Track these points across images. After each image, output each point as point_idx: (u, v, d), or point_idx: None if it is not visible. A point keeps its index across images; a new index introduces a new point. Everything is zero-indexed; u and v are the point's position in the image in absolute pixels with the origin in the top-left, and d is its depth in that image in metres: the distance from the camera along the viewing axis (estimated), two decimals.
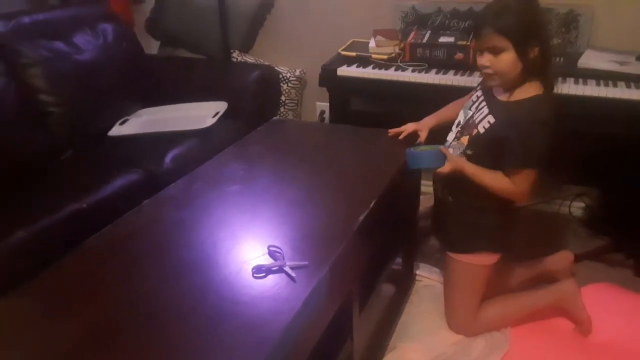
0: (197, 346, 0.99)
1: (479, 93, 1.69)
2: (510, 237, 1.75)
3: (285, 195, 1.51)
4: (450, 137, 1.72)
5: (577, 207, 2.50)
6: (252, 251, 1.24)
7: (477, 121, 1.61)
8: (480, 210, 1.66)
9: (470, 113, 1.66)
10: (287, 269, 1.15)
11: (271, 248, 1.22)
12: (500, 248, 1.73)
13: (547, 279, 1.94)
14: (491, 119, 1.57)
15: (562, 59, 2.15)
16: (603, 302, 1.95)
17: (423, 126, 1.84)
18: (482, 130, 1.58)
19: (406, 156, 1.61)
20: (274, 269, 1.16)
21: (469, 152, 1.62)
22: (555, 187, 2.51)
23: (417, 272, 2.12)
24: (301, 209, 1.43)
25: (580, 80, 2.01)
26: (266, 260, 1.20)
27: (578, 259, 2.16)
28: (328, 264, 1.18)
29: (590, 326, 1.79)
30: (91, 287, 1.17)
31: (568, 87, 1.97)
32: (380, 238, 1.64)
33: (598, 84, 1.98)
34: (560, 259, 1.98)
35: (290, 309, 1.05)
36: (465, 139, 1.64)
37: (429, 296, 2.02)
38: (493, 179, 1.57)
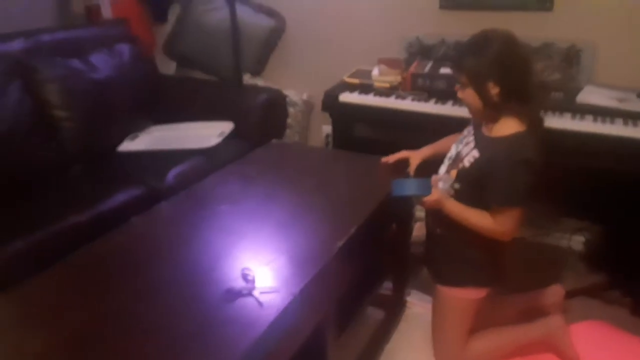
0: None
1: (471, 128, 1.71)
2: (499, 272, 1.74)
3: (271, 217, 1.55)
4: (442, 169, 1.75)
5: (578, 241, 2.48)
6: (227, 273, 1.28)
7: (463, 155, 1.63)
8: (469, 245, 1.67)
9: (460, 147, 1.68)
10: (255, 293, 1.19)
11: (244, 271, 1.26)
12: (489, 283, 1.72)
13: (538, 313, 1.92)
14: (476, 153, 1.59)
15: (561, 94, 2.16)
16: (595, 340, 1.92)
17: (416, 156, 1.88)
18: (467, 165, 1.60)
19: (392, 184, 1.63)
20: (243, 292, 1.20)
21: (456, 186, 1.63)
22: (555, 219, 2.49)
23: (408, 298, 2.13)
24: (284, 232, 1.47)
25: (578, 116, 2.01)
26: (239, 283, 1.24)
27: (574, 294, 2.14)
28: (299, 289, 1.21)
29: None
30: (65, 302, 1.22)
31: (564, 122, 1.98)
32: (364, 263, 1.66)
33: (595, 120, 1.98)
34: (552, 294, 1.96)
35: (254, 334, 1.08)
36: (454, 173, 1.65)
37: (418, 324, 2.02)
38: (474, 218, 1.58)
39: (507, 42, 1.51)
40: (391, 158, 1.90)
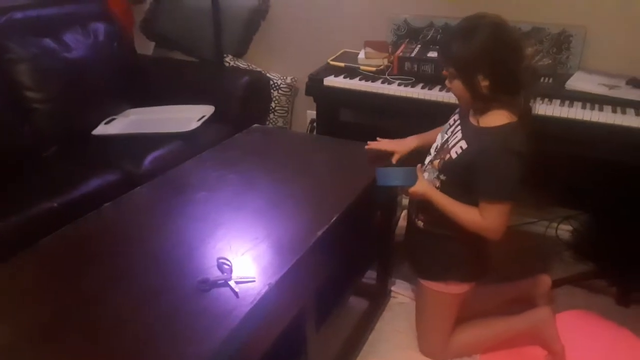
0: (130, 358, 0.98)
1: (457, 117, 1.65)
2: (483, 266, 1.71)
3: (250, 205, 1.50)
4: (427, 160, 1.69)
5: (565, 230, 2.46)
6: (202, 262, 1.23)
7: (450, 146, 1.57)
8: (451, 239, 1.62)
9: (446, 137, 1.62)
10: (231, 283, 1.13)
11: (220, 260, 1.20)
12: (473, 277, 1.69)
13: (524, 302, 1.90)
14: (464, 144, 1.52)
15: (551, 80, 2.12)
16: (580, 330, 1.91)
17: (401, 148, 1.80)
18: (454, 156, 1.54)
19: (376, 173, 1.58)
20: (219, 282, 1.14)
21: (442, 177, 1.57)
22: (542, 208, 2.46)
23: (393, 288, 2.09)
24: (262, 220, 1.41)
25: (567, 102, 1.97)
26: (215, 272, 1.18)
27: (560, 282, 2.12)
28: (276, 279, 1.16)
29: (563, 356, 1.74)
30: (32, 290, 1.17)
31: (553, 109, 1.93)
32: (347, 252, 1.61)
33: (584, 107, 1.93)
34: (538, 283, 1.94)
35: (229, 325, 1.03)
36: (437, 163, 1.59)
37: (402, 313, 1.99)
38: (462, 212, 1.52)
39: (497, 30, 1.42)
40: (375, 146, 1.82)
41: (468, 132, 1.54)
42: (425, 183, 1.56)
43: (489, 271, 1.72)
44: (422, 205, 1.63)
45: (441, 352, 1.77)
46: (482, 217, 1.48)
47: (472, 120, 1.55)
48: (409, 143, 1.82)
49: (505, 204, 1.46)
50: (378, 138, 1.85)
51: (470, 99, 1.49)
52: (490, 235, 1.51)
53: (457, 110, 1.68)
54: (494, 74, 1.43)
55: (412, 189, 1.54)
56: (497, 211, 1.46)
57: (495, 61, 1.42)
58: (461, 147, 1.52)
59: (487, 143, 1.45)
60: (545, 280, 1.94)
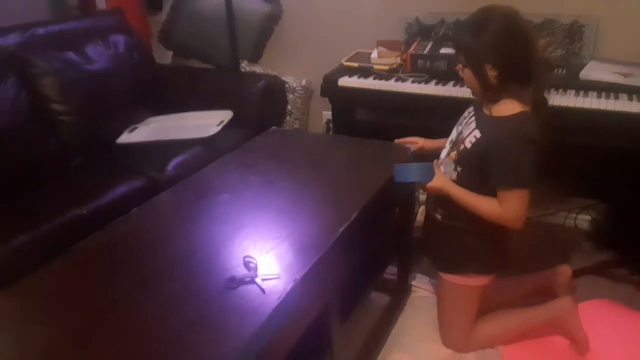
0: (161, 358, 1.02)
1: (471, 108, 1.68)
2: (503, 259, 1.71)
3: (272, 205, 1.53)
4: (444, 154, 1.71)
5: (584, 220, 2.46)
6: (229, 262, 1.27)
7: (465, 136, 1.59)
8: (471, 232, 1.63)
9: (461, 128, 1.65)
10: (258, 280, 1.17)
11: (246, 259, 1.24)
12: (492, 271, 1.70)
13: (546, 294, 1.91)
14: (478, 133, 1.55)
15: (564, 71, 2.13)
16: (603, 320, 1.91)
17: (427, 142, 1.84)
18: (469, 146, 1.56)
19: (394, 170, 1.59)
20: (246, 280, 1.18)
21: (459, 169, 1.59)
22: (560, 199, 2.46)
23: (413, 283, 2.12)
24: (285, 219, 1.46)
25: (582, 93, 1.98)
26: (241, 271, 1.22)
27: (581, 273, 2.12)
28: (301, 276, 1.20)
29: (587, 345, 1.75)
30: (67, 295, 1.21)
31: (568, 99, 1.95)
32: (368, 249, 1.65)
33: (599, 97, 1.94)
34: (559, 274, 1.94)
35: (257, 321, 1.07)
36: (454, 155, 1.62)
37: (423, 308, 2.01)
38: (481, 204, 1.53)
39: (508, 22, 1.45)
40: (404, 140, 1.87)
41: (482, 122, 1.56)
42: (443, 178, 1.58)
43: (509, 264, 1.73)
44: (440, 199, 1.65)
45: (464, 344, 1.78)
46: (502, 207, 1.49)
47: (486, 110, 1.58)
48: (438, 142, 1.82)
49: (524, 192, 1.47)
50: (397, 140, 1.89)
51: (480, 89, 1.52)
52: (511, 224, 1.52)
53: (472, 104, 1.70)
54: (502, 64, 1.45)
55: (430, 184, 1.56)
56: (515, 199, 1.47)
57: (504, 52, 1.44)
58: (475, 137, 1.54)
59: (501, 132, 1.48)
60: (566, 271, 1.94)
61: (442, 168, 1.64)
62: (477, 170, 1.54)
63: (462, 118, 1.69)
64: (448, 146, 1.69)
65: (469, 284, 1.69)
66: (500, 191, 1.50)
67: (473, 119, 1.61)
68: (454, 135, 1.69)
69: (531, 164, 1.45)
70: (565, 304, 1.78)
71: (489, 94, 1.52)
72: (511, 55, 1.45)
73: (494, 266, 1.70)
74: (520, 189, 1.47)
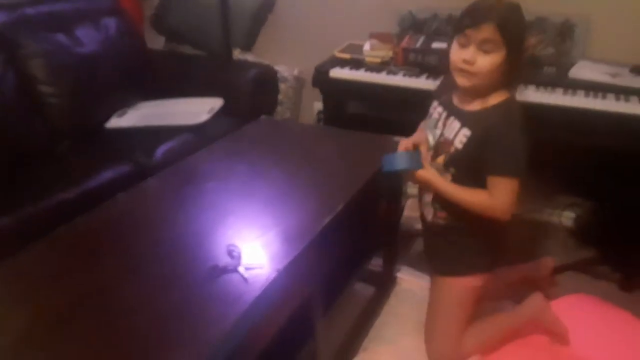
0: (140, 344, 1.03)
1: (440, 109, 1.59)
2: (501, 256, 1.68)
3: (258, 194, 1.54)
4: (427, 161, 1.60)
5: (568, 217, 2.48)
6: (212, 249, 1.28)
7: (451, 137, 1.51)
8: (473, 233, 1.58)
9: (439, 131, 1.56)
10: (241, 269, 1.18)
11: (230, 247, 1.25)
12: (492, 267, 1.66)
13: (527, 285, 1.92)
14: (466, 131, 1.47)
15: (554, 69, 2.14)
16: (583, 312, 1.93)
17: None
18: (460, 146, 1.48)
19: (382, 160, 1.56)
20: (229, 268, 1.19)
21: (452, 170, 1.53)
22: (545, 196, 2.49)
23: (398, 274, 2.13)
24: (270, 209, 1.46)
25: (570, 91, 1.99)
26: (224, 259, 1.23)
27: (564, 268, 2.15)
28: (284, 265, 1.21)
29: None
30: (48, 278, 1.21)
31: (556, 97, 1.96)
32: (353, 239, 1.66)
33: (587, 95, 1.96)
34: (541, 266, 1.95)
35: (238, 310, 1.08)
36: (441, 159, 1.54)
37: (407, 299, 2.03)
38: (469, 195, 1.48)
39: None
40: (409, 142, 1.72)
41: (466, 119, 1.49)
42: (432, 169, 1.53)
43: (504, 260, 1.72)
44: (439, 202, 1.59)
45: (451, 355, 1.70)
46: (490, 196, 1.44)
47: (467, 106, 1.50)
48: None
49: (513, 180, 1.42)
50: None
51: (495, 77, 1.41)
52: (498, 214, 1.47)
53: (434, 104, 1.62)
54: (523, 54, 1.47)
55: (419, 173, 1.52)
56: (505, 188, 1.42)
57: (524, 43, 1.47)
58: (465, 135, 1.47)
59: (493, 119, 1.43)
60: (548, 263, 1.94)
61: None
62: (472, 169, 1.49)
63: (432, 121, 1.60)
64: (429, 152, 1.61)
65: (471, 284, 1.65)
66: (491, 177, 1.45)
67: (452, 118, 1.53)
68: (430, 139, 1.60)
69: (522, 152, 1.41)
70: (536, 302, 1.75)
71: (495, 84, 1.45)
72: (524, 48, 1.47)
73: (493, 263, 1.66)
74: (511, 177, 1.42)
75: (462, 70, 1.42)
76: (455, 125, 1.50)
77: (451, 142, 1.51)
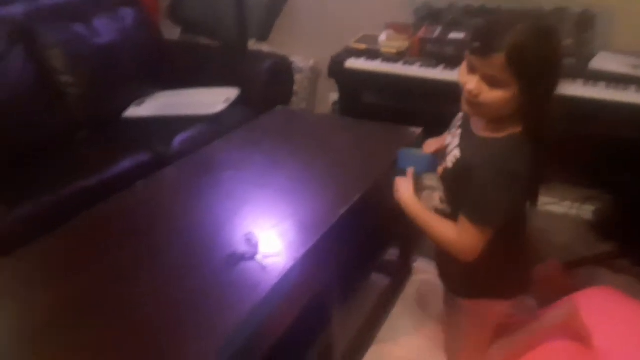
0: (159, 330, 1.04)
1: (460, 116, 1.44)
2: (523, 282, 1.51)
3: (275, 183, 1.55)
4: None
5: (587, 211, 2.45)
6: (230, 237, 1.28)
7: (449, 151, 1.38)
8: (490, 256, 1.31)
9: (449, 139, 1.43)
10: (258, 257, 1.19)
11: (248, 235, 1.26)
12: (510, 295, 1.49)
13: (542, 285, 1.89)
14: (457, 153, 1.33)
15: (574, 60, 2.10)
16: (607, 305, 1.91)
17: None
18: (450, 165, 1.35)
19: (398, 155, 1.56)
20: (246, 256, 1.20)
21: (442, 187, 1.43)
22: (564, 188, 2.46)
23: (414, 265, 2.13)
24: (287, 198, 1.47)
25: (590, 82, 1.96)
26: (242, 247, 1.24)
27: (583, 262, 2.13)
28: (301, 254, 1.21)
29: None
30: (69, 264, 1.23)
31: (576, 89, 1.94)
32: (369, 230, 1.65)
33: (608, 87, 1.93)
34: (548, 268, 1.92)
35: (255, 298, 1.09)
36: (440, 170, 1.43)
37: (424, 290, 2.03)
38: (436, 224, 1.34)
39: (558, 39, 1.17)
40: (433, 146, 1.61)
41: (466, 141, 1.34)
42: (411, 190, 1.43)
43: (528, 286, 1.53)
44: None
45: None
46: (458, 234, 1.28)
47: (476, 129, 1.32)
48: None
49: (486, 229, 1.25)
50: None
51: (509, 110, 1.20)
52: (461, 256, 1.30)
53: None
54: (547, 88, 1.17)
55: (397, 195, 1.44)
56: (475, 234, 1.25)
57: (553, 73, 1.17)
58: (455, 157, 1.34)
59: (485, 157, 1.23)
60: (555, 265, 1.93)
61: (434, 181, 1.52)
62: (454, 193, 1.37)
63: (453, 122, 1.47)
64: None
65: (488, 310, 1.52)
66: (462, 218, 1.28)
67: (460, 133, 1.38)
68: (447, 144, 1.45)
69: (506, 201, 1.23)
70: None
71: (508, 118, 1.22)
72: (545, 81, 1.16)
73: (515, 289, 1.50)
74: (483, 226, 1.25)
75: (466, 98, 1.23)
76: (455, 142, 1.38)
77: (447, 156, 1.39)
